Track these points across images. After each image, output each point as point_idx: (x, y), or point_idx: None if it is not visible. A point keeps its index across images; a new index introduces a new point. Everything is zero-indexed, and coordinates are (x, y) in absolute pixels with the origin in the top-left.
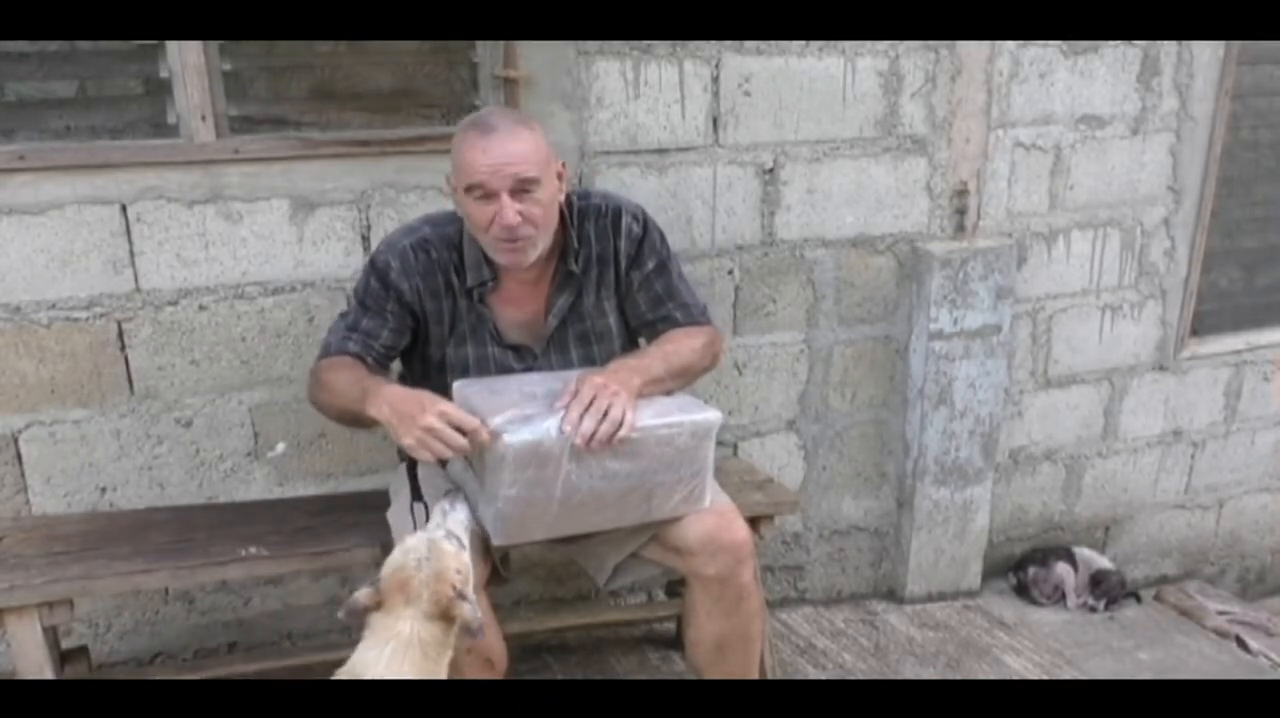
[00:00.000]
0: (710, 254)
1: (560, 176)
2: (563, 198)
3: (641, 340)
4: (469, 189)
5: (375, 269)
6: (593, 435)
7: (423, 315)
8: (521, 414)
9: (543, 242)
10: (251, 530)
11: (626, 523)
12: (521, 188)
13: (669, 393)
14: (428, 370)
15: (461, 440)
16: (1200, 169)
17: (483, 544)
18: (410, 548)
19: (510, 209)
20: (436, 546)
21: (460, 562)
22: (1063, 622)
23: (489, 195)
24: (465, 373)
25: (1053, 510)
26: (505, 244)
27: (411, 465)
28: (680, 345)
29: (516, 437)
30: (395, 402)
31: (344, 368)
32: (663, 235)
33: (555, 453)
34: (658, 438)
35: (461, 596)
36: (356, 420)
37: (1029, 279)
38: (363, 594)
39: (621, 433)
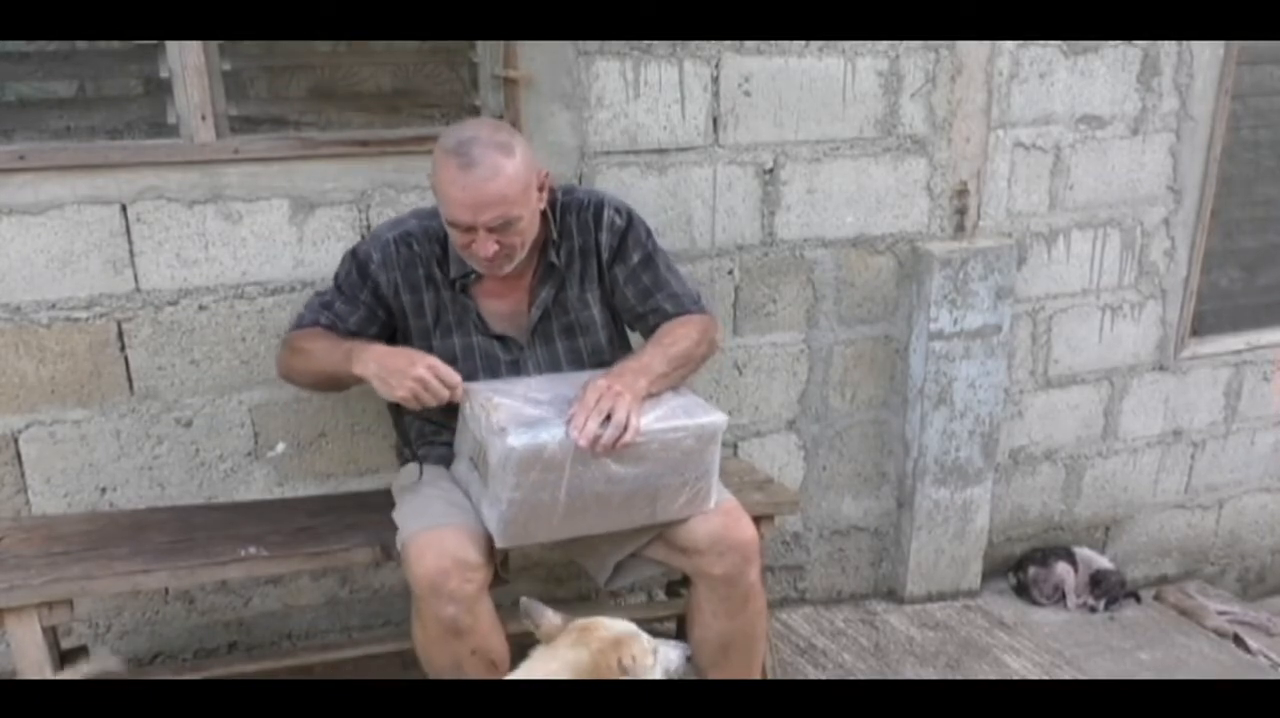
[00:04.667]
0: (710, 254)
1: (542, 188)
2: (544, 205)
3: (633, 335)
4: (448, 221)
5: (356, 258)
6: (597, 439)
7: (400, 310)
8: (526, 417)
9: (521, 255)
10: (251, 531)
11: (631, 525)
12: (501, 225)
13: (674, 387)
14: None
15: (446, 393)
16: (1200, 169)
17: (488, 546)
18: (625, 625)
19: (488, 243)
20: (637, 634)
21: (640, 655)
22: (1063, 622)
23: (468, 229)
24: (453, 363)
25: (1053, 510)
26: (482, 263)
27: (399, 417)
28: (676, 336)
29: (520, 440)
30: (382, 358)
31: (320, 336)
32: (648, 229)
33: (559, 457)
34: (662, 442)
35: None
36: (334, 382)
37: (1029, 279)
38: (551, 619)
39: (626, 438)
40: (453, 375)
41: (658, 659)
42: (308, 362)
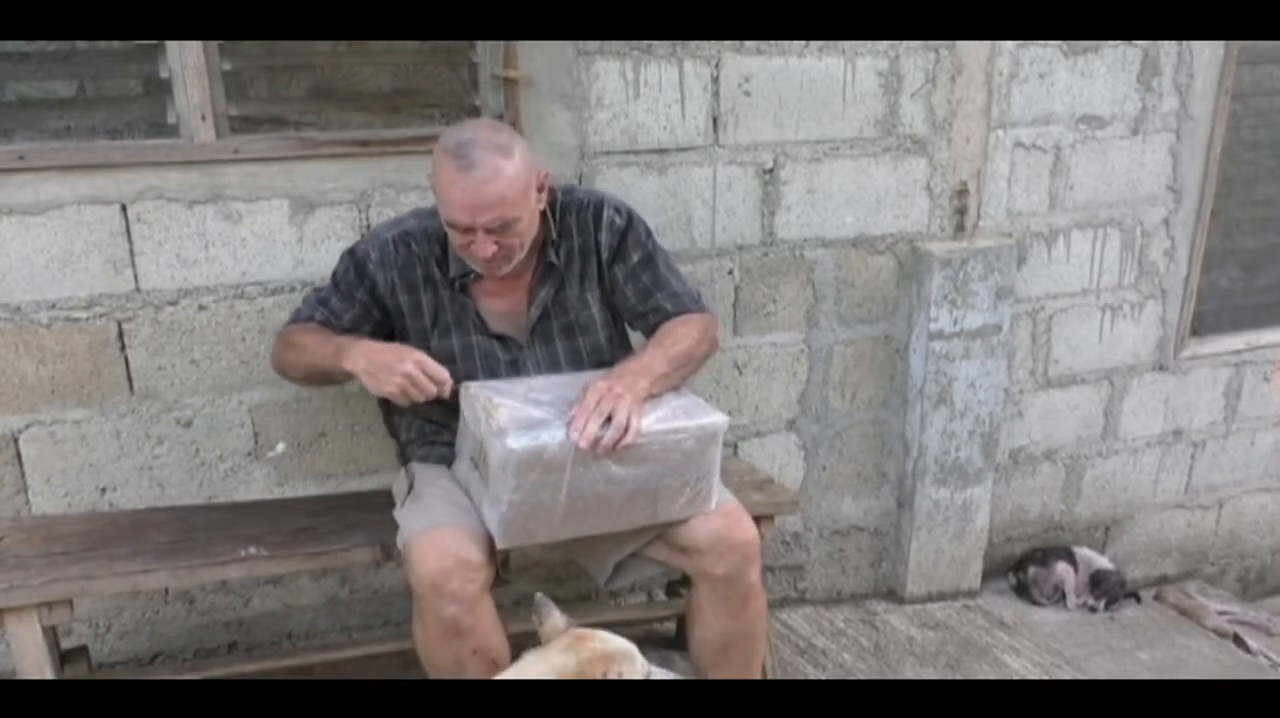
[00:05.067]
0: (710, 254)
1: (541, 188)
2: (543, 205)
3: (634, 335)
4: (447, 222)
5: (354, 257)
6: (597, 440)
7: (397, 309)
8: (527, 419)
9: (520, 256)
10: (251, 531)
11: (631, 526)
12: (499, 227)
13: (675, 387)
14: None
15: (434, 389)
16: (1200, 169)
17: (489, 546)
18: (623, 643)
19: (486, 244)
20: (633, 655)
21: (629, 674)
22: (1063, 622)
23: (466, 230)
24: (452, 363)
25: (1053, 510)
26: (481, 263)
27: (389, 415)
28: (677, 335)
29: (521, 441)
30: (372, 354)
31: (313, 331)
32: (648, 229)
33: (560, 458)
34: (663, 443)
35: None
36: (325, 377)
37: (1029, 279)
38: (555, 622)
39: (627, 439)
40: (441, 372)
41: (652, 672)
42: (299, 355)
